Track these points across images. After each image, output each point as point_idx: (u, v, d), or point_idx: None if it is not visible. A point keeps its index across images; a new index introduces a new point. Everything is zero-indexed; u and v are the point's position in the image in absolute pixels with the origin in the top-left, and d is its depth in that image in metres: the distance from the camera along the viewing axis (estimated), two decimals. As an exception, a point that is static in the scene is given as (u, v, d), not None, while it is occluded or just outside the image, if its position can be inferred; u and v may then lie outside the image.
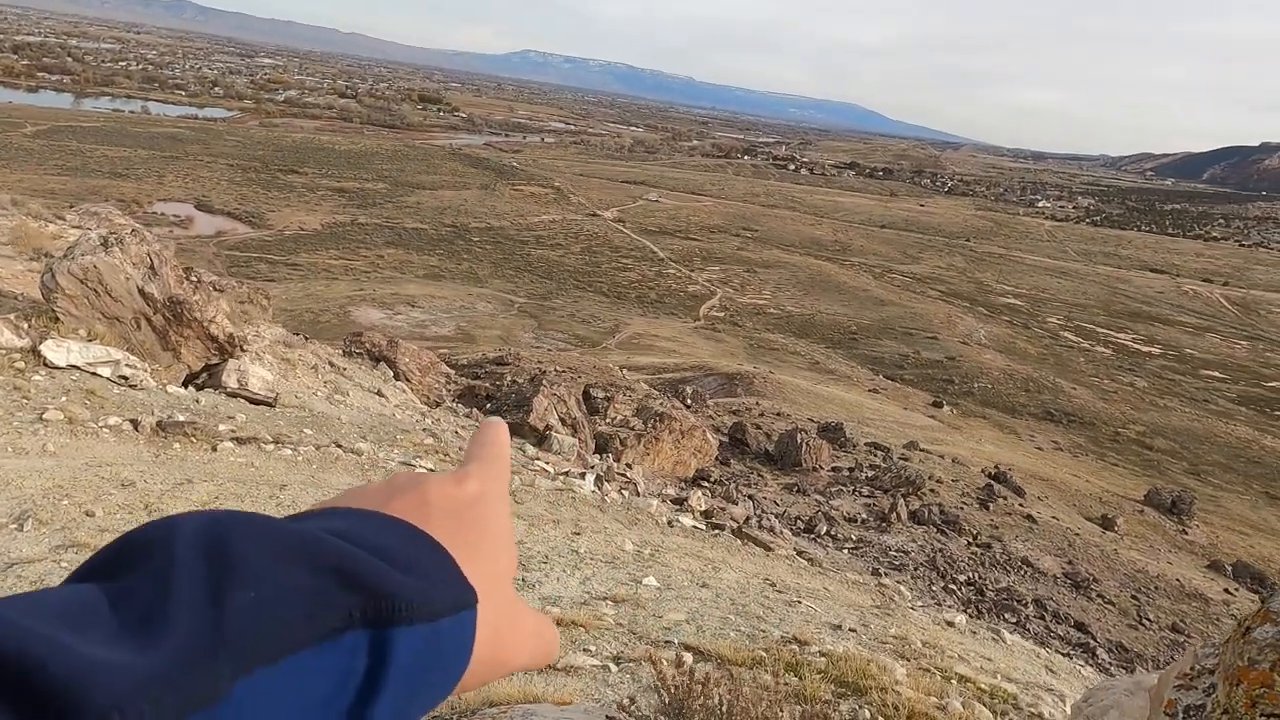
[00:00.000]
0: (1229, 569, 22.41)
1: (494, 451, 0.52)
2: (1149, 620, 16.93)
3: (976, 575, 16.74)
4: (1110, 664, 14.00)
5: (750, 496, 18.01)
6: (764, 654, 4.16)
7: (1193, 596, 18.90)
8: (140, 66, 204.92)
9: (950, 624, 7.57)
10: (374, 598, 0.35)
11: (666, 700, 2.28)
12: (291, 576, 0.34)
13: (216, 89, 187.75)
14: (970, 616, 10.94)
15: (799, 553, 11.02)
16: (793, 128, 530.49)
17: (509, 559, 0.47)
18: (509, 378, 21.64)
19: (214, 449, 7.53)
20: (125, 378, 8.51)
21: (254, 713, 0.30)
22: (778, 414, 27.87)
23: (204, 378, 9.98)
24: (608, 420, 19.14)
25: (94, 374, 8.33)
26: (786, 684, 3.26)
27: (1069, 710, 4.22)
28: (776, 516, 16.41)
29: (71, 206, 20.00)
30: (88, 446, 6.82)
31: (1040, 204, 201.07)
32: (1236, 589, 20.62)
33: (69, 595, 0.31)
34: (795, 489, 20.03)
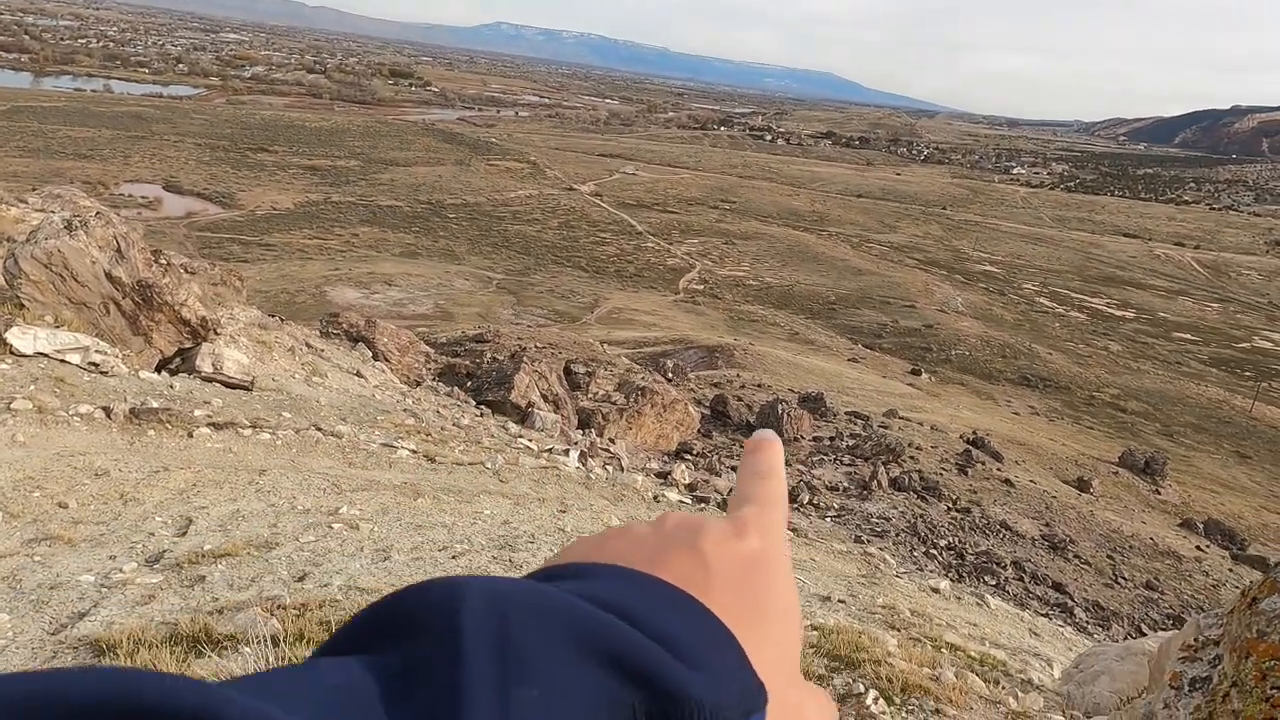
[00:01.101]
0: (1200, 527, 22.89)
1: (771, 488, 0.45)
2: (1124, 579, 17.26)
3: (956, 540, 16.95)
4: (1088, 623, 14.29)
5: (733, 468, 18.08)
6: (755, 629, 4.14)
7: (1166, 554, 19.28)
8: (101, 44, 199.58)
9: (935, 590, 7.65)
10: (661, 699, 0.31)
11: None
12: (573, 668, 0.31)
13: (181, 66, 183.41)
14: (952, 581, 11.08)
15: (784, 523, 11.07)
16: (769, 98, 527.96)
17: (793, 634, 0.41)
18: (489, 355, 21.49)
19: (190, 435, 7.38)
20: (95, 364, 8.31)
21: None
22: (758, 385, 27.95)
23: (177, 362, 9.79)
24: (590, 396, 19.09)
25: (63, 361, 8.12)
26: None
27: (1058, 675, 4.27)
28: (760, 488, 16.48)
29: (34, 189, 19.46)
30: (59, 436, 6.66)
31: (1015, 171, 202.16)
32: (1208, 546, 21.09)
33: (340, 678, 0.28)
34: (778, 460, 20.12)
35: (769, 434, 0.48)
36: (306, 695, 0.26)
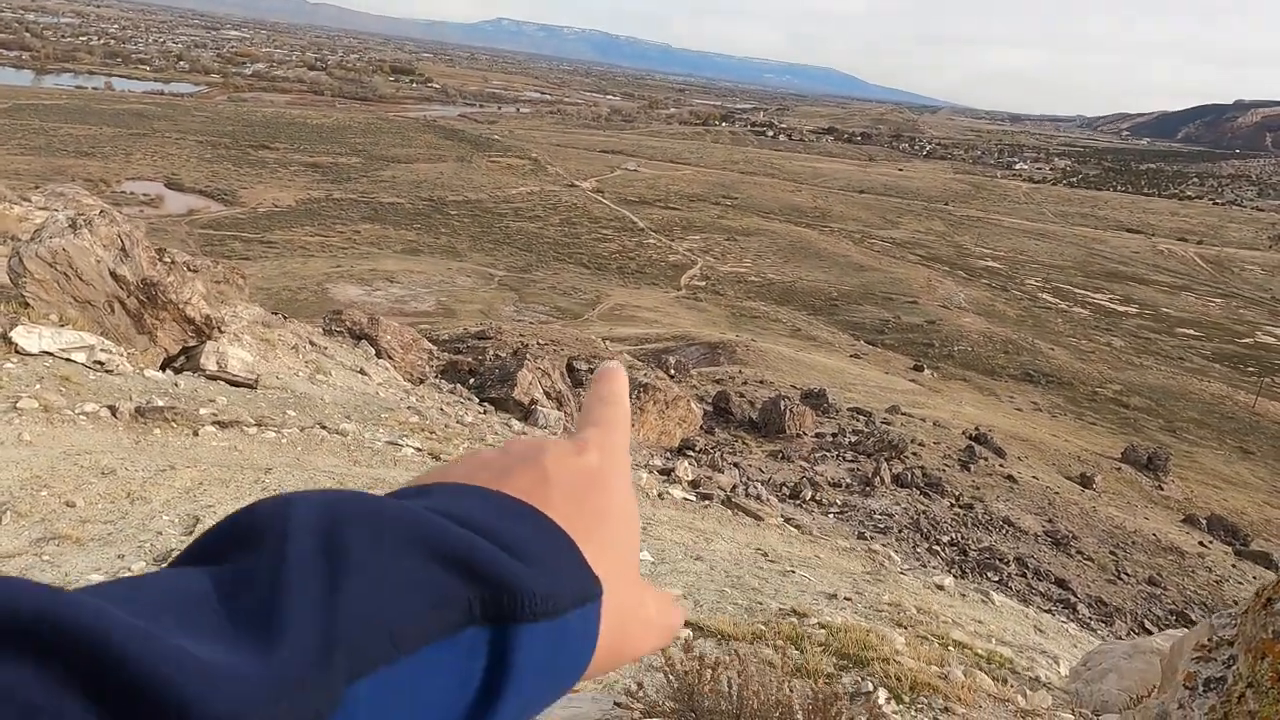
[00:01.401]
0: (1203, 523, 22.88)
1: (615, 413, 0.47)
2: (1127, 575, 17.26)
3: (959, 536, 16.96)
4: (1091, 619, 14.30)
5: (736, 465, 18.08)
6: (763, 628, 4.17)
7: (1169, 550, 19.28)
8: (102, 41, 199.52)
9: (940, 587, 7.66)
10: (496, 591, 0.33)
11: (675, 685, 2.25)
12: (409, 567, 0.32)
13: (182, 63, 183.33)
14: (955, 577, 11.09)
15: (787, 520, 11.09)
16: (770, 93, 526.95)
17: (632, 539, 0.44)
18: (492, 352, 21.50)
19: (195, 433, 7.39)
20: (101, 363, 8.33)
21: (370, 714, 0.28)
22: (761, 382, 27.94)
23: (182, 361, 9.80)
24: (592, 393, 19.08)
25: (68, 360, 8.14)
26: (789, 659, 3.26)
27: (1066, 673, 4.27)
28: (762, 484, 16.49)
29: (37, 187, 19.49)
30: (65, 435, 6.67)
31: (1018, 166, 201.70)
32: (1211, 542, 21.08)
33: (175, 582, 0.30)
34: (780, 456, 20.14)
35: (614, 364, 0.51)
36: (141, 596, 0.27)
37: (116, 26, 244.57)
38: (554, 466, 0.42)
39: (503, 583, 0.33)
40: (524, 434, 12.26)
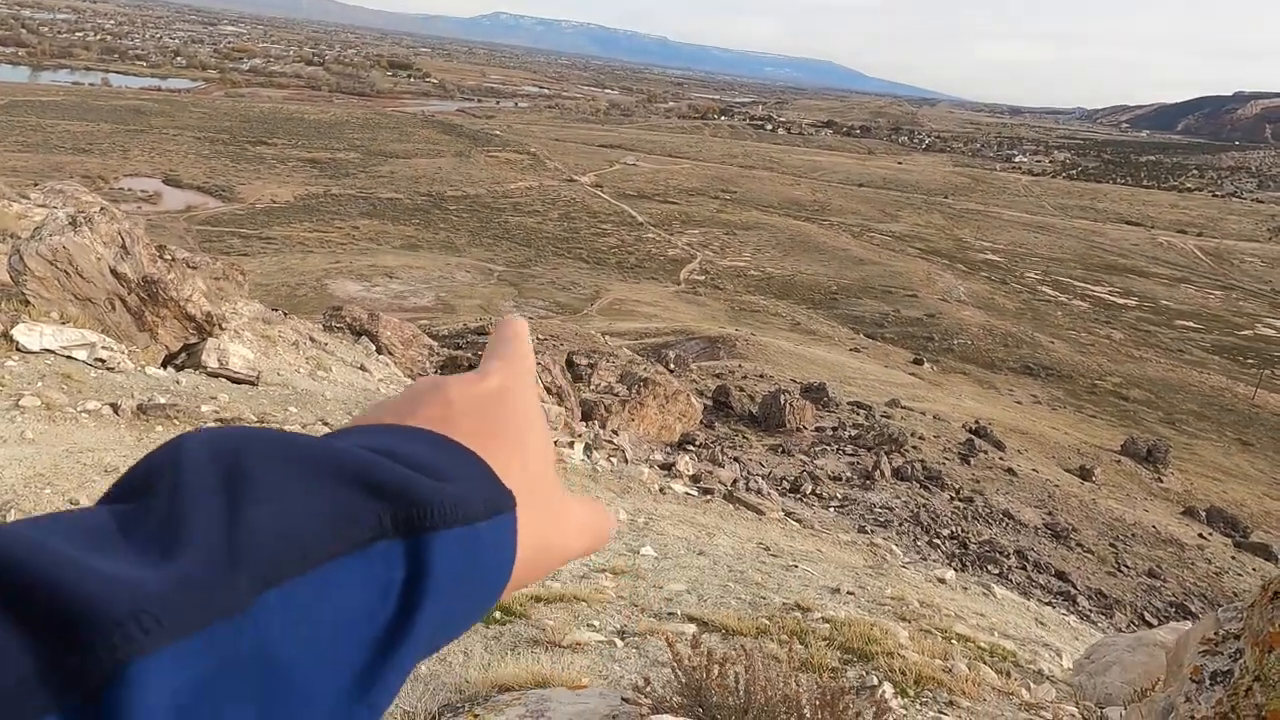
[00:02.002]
0: (1203, 514, 22.92)
1: (515, 347, 0.50)
2: (1127, 567, 17.30)
3: (959, 529, 17.00)
4: (1091, 611, 14.33)
5: (736, 459, 18.10)
6: (768, 622, 4.18)
7: (1168, 542, 19.31)
8: (98, 37, 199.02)
9: (942, 580, 7.68)
10: (403, 504, 0.34)
11: (683, 681, 2.26)
12: (311, 488, 0.33)
13: (179, 59, 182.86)
14: (956, 570, 11.11)
15: (788, 514, 11.11)
16: (769, 87, 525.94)
17: (544, 449, 0.45)
18: (492, 348, 21.47)
19: (197, 431, 7.39)
20: (102, 360, 8.33)
21: (284, 622, 0.29)
22: (760, 376, 27.96)
23: (183, 358, 9.80)
24: (592, 387, 19.11)
25: (69, 358, 8.14)
26: (794, 654, 3.27)
27: (1069, 665, 4.28)
28: (763, 478, 16.51)
29: (35, 184, 19.45)
30: (67, 432, 6.68)
31: (1017, 159, 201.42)
32: (1210, 534, 21.12)
33: (82, 517, 0.31)
34: (780, 450, 20.16)
35: (515, 315, 0.53)
36: (37, 525, 0.29)
37: (113, 22, 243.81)
38: (457, 395, 0.43)
39: (408, 495, 0.34)
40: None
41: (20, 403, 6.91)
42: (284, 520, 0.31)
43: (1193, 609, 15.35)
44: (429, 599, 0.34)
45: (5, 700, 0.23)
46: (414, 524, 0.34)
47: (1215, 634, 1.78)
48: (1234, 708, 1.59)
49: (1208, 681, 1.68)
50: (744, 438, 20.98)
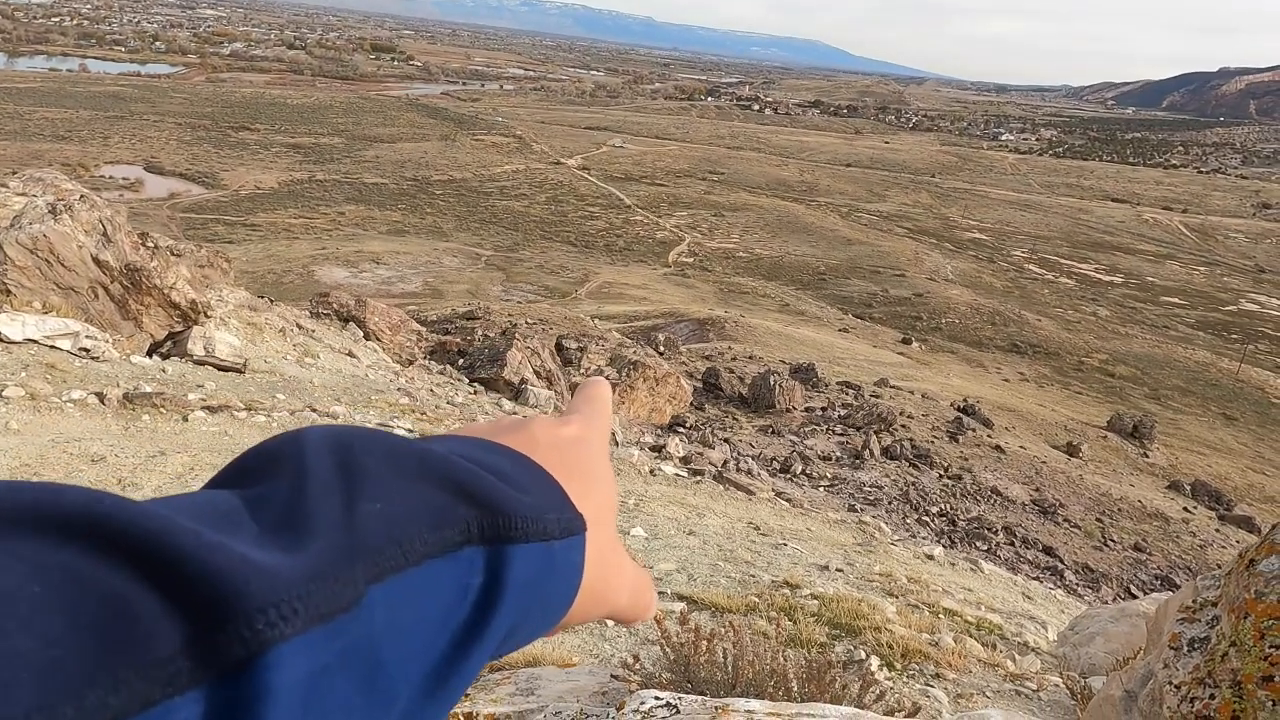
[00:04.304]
0: (1188, 488, 23.17)
1: (597, 407, 0.52)
2: (1113, 541, 17.50)
3: (948, 506, 17.14)
4: (1078, 585, 14.51)
5: (726, 440, 18.17)
6: (757, 600, 4.22)
7: (1154, 516, 19.53)
8: (75, 22, 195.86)
9: (930, 557, 7.75)
10: (491, 513, 0.36)
11: (672, 657, 2.29)
12: (414, 489, 0.34)
13: (158, 44, 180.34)
14: (945, 547, 11.22)
15: (778, 494, 11.18)
16: (755, 67, 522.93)
17: (611, 500, 0.47)
18: (480, 332, 21.46)
19: (185, 419, 7.36)
20: (86, 349, 8.26)
21: (387, 618, 0.30)
22: (750, 357, 28.02)
23: (168, 346, 9.73)
24: (582, 371, 19.10)
25: (53, 347, 8.07)
26: (782, 630, 3.31)
27: (1054, 638, 4.35)
28: (753, 459, 16.59)
29: (14, 173, 19.16)
30: (53, 422, 6.63)
31: (1004, 137, 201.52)
32: (1195, 507, 21.38)
33: (210, 499, 0.32)
34: (770, 430, 20.24)
35: (601, 379, 0.57)
36: (174, 505, 0.30)
37: (89, 7, 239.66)
38: (540, 432, 0.46)
39: (497, 506, 0.36)
40: (515, 413, 12.27)
41: (4, 393, 6.85)
42: (391, 519, 0.33)
43: (1177, 582, 15.54)
44: (503, 607, 0.35)
45: (153, 670, 0.24)
46: (499, 533, 0.36)
47: (1194, 602, 1.81)
48: (1210, 673, 1.62)
49: (1186, 648, 1.71)
50: (734, 419, 21.05)
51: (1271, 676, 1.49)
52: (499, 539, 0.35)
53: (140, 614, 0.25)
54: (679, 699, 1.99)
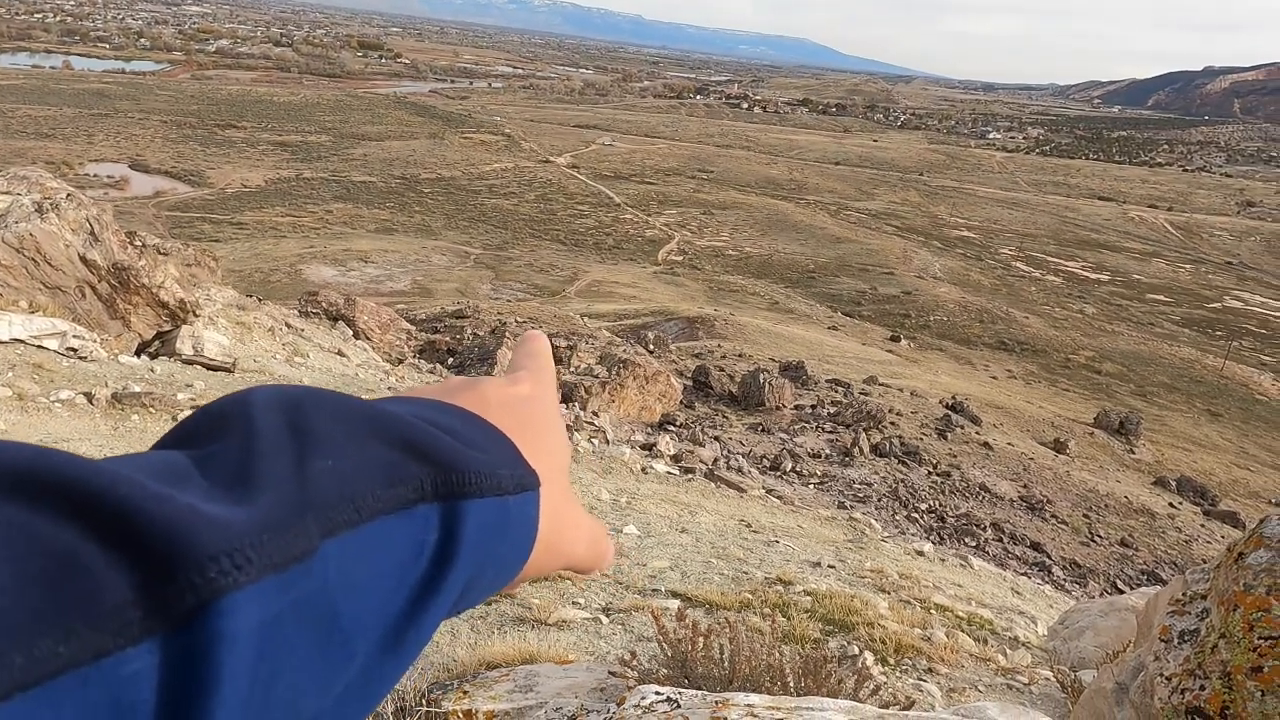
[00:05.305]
0: (1173, 484, 23.37)
1: (541, 361, 0.53)
2: (1100, 537, 17.63)
3: (937, 503, 17.23)
4: (1066, 580, 14.61)
5: (716, 438, 18.20)
6: (750, 596, 4.25)
7: (1140, 512, 19.69)
8: (58, 18, 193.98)
9: (920, 553, 7.80)
10: (443, 470, 0.36)
11: (669, 654, 2.31)
12: (365, 448, 0.35)
13: (143, 41, 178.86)
14: (934, 543, 11.29)
15: (769, 491, 11.21)
16: (744, 65, 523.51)
17: (564, 454, 0.48)
18: (470, 331, 21.42)
19: (174, 419, 7.32)
20: (74, 349, 8.20)
21: (341, 572, 0.31)
22: (740, 355, 28.07)
23: (157, 346, 9.68)
24: (572, 369, 19.09)
25: (40, 347, 8.01)
26: (777, 626, 3.34)
27: (1044, 632, 4.40)
28: (743, 456, 16.64)
29: (-3, 171, 18.98)
30: (41, 423, 6.59)
31: (991, 136, 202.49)
32: (1180, 503, 21.57)
33: (159, 458, 0.32)
34: (760, 428, 20.29)
35: (538, 332, 0.57)
36: (123, 463, 0.30)
37: (73, 3, 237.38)
38: (491, 392, 0.46)
39: (450, 463, 0.36)
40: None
41: (-9, 393, 6.80)
42: (342, 475, 0.33)
43: (1164, 576, 15.68)
44: (458, 562, 0.35)
45: (104, 620, 0.24)
46: (453, 490, 0.36)
47: (1183, 595, 1.84)
48: (1200, 664, 1.65)
49: (1176, 641, 1.74)
50: (724, 417, 21.08)
51: (1260, 667, 1.52)
52: (453, 495, 0.36)
53: (89, 565, 0.25)
54: (679, 694, 2.01)
